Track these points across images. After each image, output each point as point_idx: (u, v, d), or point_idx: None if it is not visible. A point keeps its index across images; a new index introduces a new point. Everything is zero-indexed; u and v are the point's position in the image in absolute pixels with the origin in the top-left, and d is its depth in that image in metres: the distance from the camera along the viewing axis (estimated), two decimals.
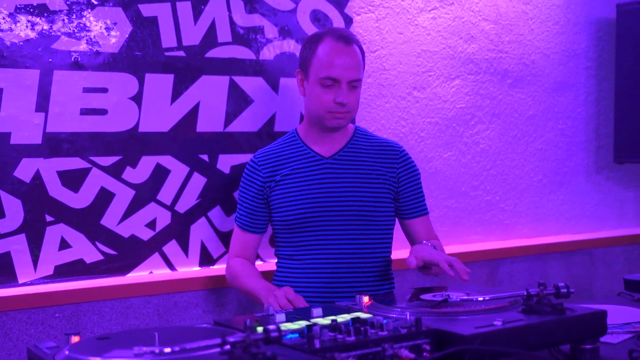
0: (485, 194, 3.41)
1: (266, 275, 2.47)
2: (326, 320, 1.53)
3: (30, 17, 2.41)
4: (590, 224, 3.73)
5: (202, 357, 1.24)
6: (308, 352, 1.32)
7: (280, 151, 2.43)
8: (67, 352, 1.35)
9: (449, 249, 3.24)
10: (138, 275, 2.59)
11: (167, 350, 1.23)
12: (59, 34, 2.45)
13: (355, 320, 1.47)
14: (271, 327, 1.27)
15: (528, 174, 3.54)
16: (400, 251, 2.55)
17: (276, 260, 2.49)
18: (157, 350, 1.23)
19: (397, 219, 2.49)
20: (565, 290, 1.61)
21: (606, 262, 3.63)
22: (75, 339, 1.47)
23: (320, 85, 2.29)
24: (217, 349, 1.23)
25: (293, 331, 1.44)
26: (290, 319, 1.59)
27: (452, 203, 3.32)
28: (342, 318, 1.54)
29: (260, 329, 1.28)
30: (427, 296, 1.75)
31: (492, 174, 3.43)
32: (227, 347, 1.23)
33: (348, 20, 2.98)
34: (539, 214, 3.58)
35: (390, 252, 2.46)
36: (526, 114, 3.52)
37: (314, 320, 1.55)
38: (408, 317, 1.50)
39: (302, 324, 1.51)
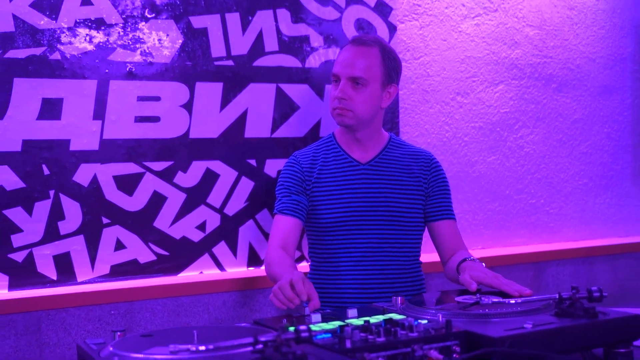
0: (529, 197, 3.36)
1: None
2: (359, 321, 1.53)
3: (88, 30, 2.47)
4: (637, 227, 3.64)
5: (235, 356, 1.26)
6: (338, 352, 1.33)
7: (319, 153, 2.44)
8: (111, 349, 1.38)
9: (495, 251, 3.21)
10: (189, 275, 2.63)
11: (202, 348, 1.25)
12: (115, 45, 2.51)
13: (387, 321, 1.47)
14: (302, 327, 1.27)
15: (573, 177, 3.47)
16: (430, 254, 2.55)
17: (309, 263, 2.49)
18: (193, 348, 1.25)
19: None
20: (598, 294, 1.58)
21: None
22: (120, 335, 1.51)
23: (332, 84, 2.37)
24: (250, 348, 1.25)
25: (326, 331, 1.45)
26: (325, 319, 1.60)
27: (496, 206, 3.28)
28: (375, 319, 1.54)
29: (292, 329, 1.29)
30: (460, 298, 1.73)
31: (536, 177, 3.37)
32: (259, 346, 1.25)
33: (392, 28, 2.97)
34: (585, 217, 3.51)
35: (419, 254, 2.45)
36: (571, 118, 3.45)
37: (348, 321, 1.55)
38: (440, 319, 1.49)
39: (335, 324, 1.52)
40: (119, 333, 1.51)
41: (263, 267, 2.68)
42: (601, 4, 3.52)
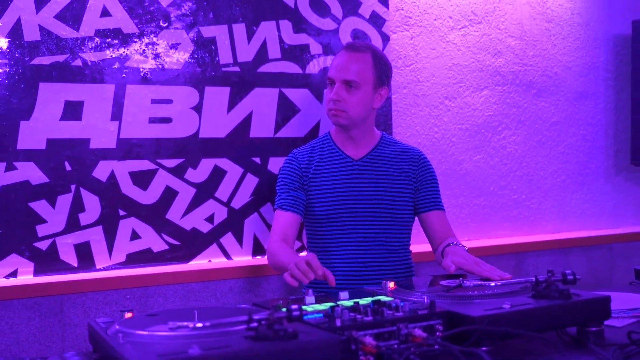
0: (512, 193, 3.30)
1: None
2: (349, 303, 1.48)
3: (107, 39, 2.43)
4: (610, 221, 3.57)
5: (231, 333, 1.21)
6: (328, 329, 1.28)
7: (315, 151, 2.40)
8: (117, 327, 1.33)
9: (480, 242, 3.15)
10: (198, 263, 2.58)
11: (199, 325, 1.20)
12: (131, 53, 2.46)
13: (375, 302, 1.42)
14: (294, 306, 1.23)
15: (552, 175, 3.41)
16: (421, 245, 2.50)
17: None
18: (191, 325, 1.20)
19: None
20: (572, 277, 1.53)
21: (625, 256, 3.47)
22: (128, 315, 1.46)
23: (327, 87, 2.33)
24: (244, 326, 1.20)
25: (318, 311, 1.40)
26: (319, 301, 1.55)
27: (481, 201, 3.22)
28: (364, 301, 1.49)
29: (284, 309, 1.24)
30: (445, 282, 1.68)
31: (518, 175, 3.31)
32: (254, 324, 1.20)
33: (385, 38, 2.92)
34: (562, 212, 3.45)
35: (409, 243, 2.41)
36: (549, 121, 3.40)
37: (339, 302, 1.50)
38: (425, 301, 1.44)
39: (327, 305, 1.47)
40: (127, 313, 1.46)
41: (266, 257, 2.64)
42: (576, 17, 3.46)
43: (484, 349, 1.31)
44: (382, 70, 2.32)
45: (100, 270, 2.45)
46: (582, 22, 3.47)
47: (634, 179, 3.64)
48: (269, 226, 2.68)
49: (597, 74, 3.53)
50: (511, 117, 3.28)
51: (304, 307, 1.44)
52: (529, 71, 3.33)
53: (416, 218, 2.41)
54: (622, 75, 3.58)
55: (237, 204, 2.64)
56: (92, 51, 2.41)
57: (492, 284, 1.56)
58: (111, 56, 2.44)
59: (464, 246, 2.06)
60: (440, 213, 2.38)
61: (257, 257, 2.68)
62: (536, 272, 3.22)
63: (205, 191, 2.59)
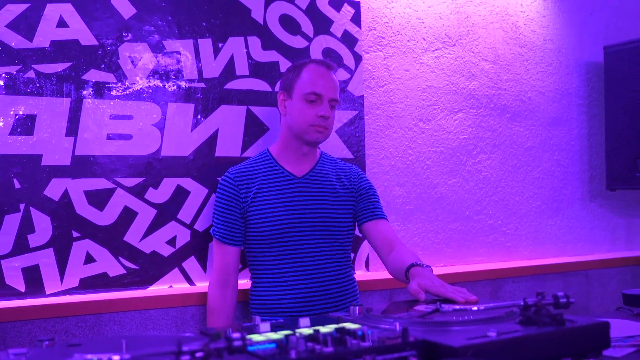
0: (487, 218, 3.04)
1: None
2: (309, 331, 1.19)
3: (63, 50, 2.16)
4: (586, 246, 3.32)
5: None
6: None
7: (254, 169, 2.17)
8: None
9: (455, 268, 2.88)
10: (158, 288, 2.27)
11: (116, 357, 0.90)
12: (89, 66, 2.19)
13: (339, 330, 1.13)
14: (235, 335, 0.94)
15: (527, 200, 3.16)
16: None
17: (250, 276, 2.21)
18: (104, 358, 0.91)
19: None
20: (565, 300, 1.26)
21: (601, 282, 3.21)
22: (47, 344, 1.16)
23: (304, 101, 2.11)
24: (172, 358, 0.90)
25: (270, 341, 1.10)
26: (275, 329, 1.25)
27: (457, 226, 2.95)
28: (327, 328, 1.20)
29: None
30: (420, 307, 1.39)
31: (494, 199, 3.06)
32: (185, 357, 0.91)
33: (358, 58, 2.68)
34: (538, 237, 3.18)
35: (350, 257, 2.27)
36: (524, 146, 3.16)
37: (297, 331, 1.21)
38: (397, 328, 1.15)
39: (283, 333, 1.17)
40: (46, 342, 1.16)
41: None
42: (548, 43, 3.25)
43: None
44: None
45: (49, 295, 2.13)
46: (554, 48, 3.26)
47: (608, 204, 3.40)
48: None
49: (571, 99, 3.31)
50: (486, 140, 3.04)
51: (251, 336, 1.15)
52: (503, 95, 3.10)
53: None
54: (595, 101, 3.37)
55: (201, 226, 2.34)
56: (46, 63, 2.14)
57: (474, 308, 1.28)
58: (67, 68, 2.16)
59: (428, 266, 1.79)
60: (383, 221, 2.21)
61: None
62: (513, 299, 2.94)
63: (166, 212, 2.29)
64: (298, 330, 1.21)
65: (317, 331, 1.12)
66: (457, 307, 1.31)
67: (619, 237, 3.42)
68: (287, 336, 1.08)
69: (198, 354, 0.91)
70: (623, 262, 3.28)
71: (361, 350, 1.04)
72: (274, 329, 1.25)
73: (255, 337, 1.14)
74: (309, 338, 1.08)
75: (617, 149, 3.14)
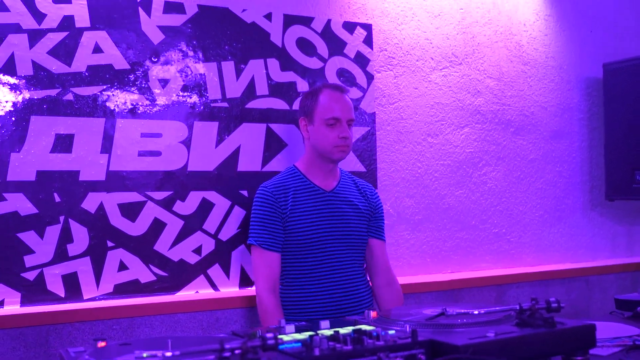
0: (492, 227, 3.17)
1: None
2: (329, 332, 1.33)
3: (98, 74, 2.32)
4: (587, 254, 3.44)
5: None
6: (305, 359, 1.13)
7: (287, 183, 2.32)
8: (86, 357, 1.18)
9: (462, 274, 3.01)
10: (185, 294, 2.43)
11: (168, 354, 1.05)
12: (122, 88, 2.35)
13: (356, 331, 1.27)
14: (268, 334, 1.08)
15: (531, 209, 3.29)
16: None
17: (282, 280, 2.35)
18: (159, 354, 1.05)
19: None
20: (556, 304, 1.39)
21: (602, 288, 3.33)
22: (101, 344, 1.31)
23: (325, 126, 2.29)
24: (215, 354, 1.05)
25: (296, 340, 1.25)
26: (299, 330, 1.40)
27: (463, 235, 3.08)
28: (345, 330, 1.35)
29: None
30: (428, 311, 1.53)
31: (498, 209, 3.19)
32: (226, 353, 1.05)
33: (370, 77, 2.82)
34: (541, 245, 3.31)
35: (364, 263, 2.45)
36: (527, 158, 3.29)
37: (319, 332, 1.35)
38: (407, 329, 1.30)
39: (307, 334, 1.32)
40: (100, 342, 1.31)
41: (253, 288, 2.49)
42: (550, 60, 3.38)
43: None
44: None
45: (87, 300, 2.29)
46: (556, 65, 3.39)
47: (608, 213, 3.52)
48: None
49: (572, 114, 3.44)
50: (491, 153, 3.18)
51: (281, 336, 1.29)
52: (507, 110, 3.23)
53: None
54: (595, 115, 3.49)
55: (224, 236, 2.50)
56: (83, 86, 2.30)
57: (476, 312, 1.42)
58: (102, 91, 2.33)
59: None
60: (382, 243, 2.45)
61: (245, 288, 2.53)
62: (516, 304, 3.07)
63: (193, 223, 2.45)
64: (320, 332, 1.36)
65: (337, 332, 1.26)
66: (461, 310, 1.45)
67: (618, 245, 3.54)
68: (311, 336, 1.23)
69: (237, 351, 1.05)
70: (622, 268, 3.40)
71: (376, 349, 1.18)
72: (299, 330, 1.40)
73: (284, 338, 1.29)
74: (330, 338, 1.23)
75: (615, 161, 3.26)
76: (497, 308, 1.43)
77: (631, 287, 3.39)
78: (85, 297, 2.29)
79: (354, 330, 1.28)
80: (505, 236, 3.20)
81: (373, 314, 1.54)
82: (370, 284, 2.43)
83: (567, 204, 3.40)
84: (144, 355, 1.04)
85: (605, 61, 3.37)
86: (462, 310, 1.43)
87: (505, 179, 3.21)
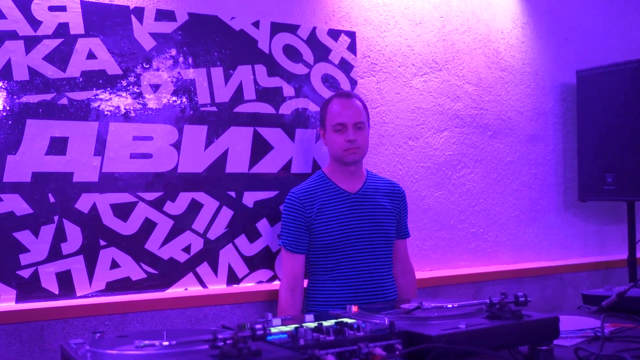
0: (470, 226, 3.28)
1: None
2: (314, 324, 1.42)
3: (92, 79, 2.39)
4: (561, 252, 3.56)
5: (196, 352, 1.15)
6: (291, 348, 1.22)
7: (314, 188, 2.45)
8: (87, 347, 1.26)
9: (441, 272, 3.11)
10: (175, 291, 2.50)
11: (165, 343, 1.14)
12: (115, 92, 2.43)
13: (338, 323, 1.37)
14: (257, 326, 1.17)
15: (507, 210, 3.40)
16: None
17: (309, 276, 2.49)
18: (157, 344, 1.14)
19: None
20: (524, 299, 1.49)
21: (575, 285, 3.45)
22: (100, 336, 1.39)
23: (334, 132, 2.42)
24: (209, 344, 1.14)
25: (283, 332, 1.34)
26: (285, 323, 1.49)
27: (442, 234, 3.19)
28: (328, 322, 1.44)
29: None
30: (405, 305, 1.63)
31: (476, 210, 3.30)
32: (219, 343, 1.14)
33: (353, 82, 2.92)
34: (517, 244, 3.43)
35: (392, 257, 2.54)
36: (504, 161, 3.40)
37: (304, 324, 1.44)
38: (386, 322, 1.39)
39: (292, 326, 1.41)
40: (98, 334, 1.39)
41: (240, 285, 2.59)
42: (527, 67, 3.50)
43: None
44: (367, 112, 2.50)
45: (80, 297, 2.36)
46: (532, 71, 3.51)
47: (581, 214, 3.64)
48: (243, 256, 2.62)
49: (547, 118, 3.56)
50: (469, 156, 3.28)
51: (269, 328, 1.38)
52: (485, 115, 3.34)
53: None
54: (569, 120, 3.62)
55: (212, 235, 2.58)
56: (77, 91, 2.37)
57: (450, 305, 1.52)
58: (95, 95, 2.40)
59: None
60: (405, 241, 2.61)
61: (232, 285, 2.61)
62: None
63: (182, 223, 2.53)
64: (305, 324, 1.45)
65: (320, 324, 1.35)
66: (436, 304, 1.54)
67: (590, 243, 3.66)
68: (296, 328, 1.32)
69: (229, 341, 1.14)
70: (594, 266, 3.52)
71: (357, 339, 1.28)
72: (285, 323, 1.48)
73: (272, 330, 1.38)
74: (314, 330, 1.32)
75: (588, 163, 3.39)
76: (470, 302, 1.53)
77: (602, 283, 3.52)
78: (78, 294, 2.36)
79: (336, 323, 1.37)
80: (482, 235, 3.31)
81: (355, 308, 1.63)
82: None
83: (541, 205, 3.52)
84: (143, 344, 1.12)
85: (578, 68, 3.49)
86: (437, 304, 1.52)
87: (482, 180, 3.32)
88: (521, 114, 3.46)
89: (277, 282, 2.67)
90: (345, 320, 1.46)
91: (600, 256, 3.67)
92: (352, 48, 2.93)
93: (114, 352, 1.18)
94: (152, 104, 2.49)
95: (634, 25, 3.89)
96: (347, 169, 2.45)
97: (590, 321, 1.83)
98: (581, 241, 3.63)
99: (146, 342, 1.12)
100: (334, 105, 2.45)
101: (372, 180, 2.52)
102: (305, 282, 2.50)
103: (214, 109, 2.59)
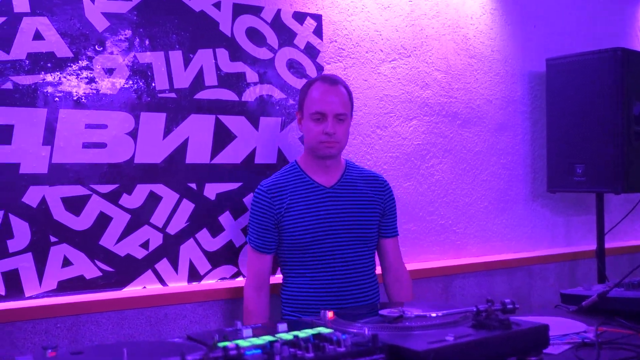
0: (439, 218, 3.22)
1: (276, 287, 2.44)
2: (289, 336, 1.32)
3: (39, 62, 2.21)
4: (529, 244, 3.54)
5: None
6: None
7: (285, 181, 2.29)
8: None
9: (410, 266, 3.03)
10: (133, 289, 2.36)
11: None
12: (65, 77, 2.25)
13: (316, 336, 1.26)
14: (230, 345, 1.06)
15: (476, 201, 3.35)
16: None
17: (282, 277, 2.36)
18: None
19: None
20: (512, 306, 1.42)
21: (542, 277, 3.44)
22: (51, 354, 1.25)
23: (311, 120, 2.25)
24: None
25: (256, 347, 1.23)
26: (256, 334, 1.38)
27: (411, 226, 3.12)
28: (304, 333, 1.33)
29: (223, 344, 1.07)
30: (385, 312, 1.54)
31: (445, 201, 3.24)
32: None
33: (319, 69, 2.80)
34: (485, 236, 3.38)
35: (375, 264, 2.39)
36: (473, 150, 3.34)
37: (277, 336, 1.34)
38: (366, 333, 1.29)
39: (265, 339, 1.30)
40: (49, 350, 1.25)
41: (202, 282, 2.47)
42: (496, 54, 3.44)
43: None
44: (352, 101, 2.33)
45: (29, 298, 2.20)
46: (500, 58, 3.45)
47: (549, 205, 3.62)
48: (204, 252, 2.49)
49: (515, 107, 3.51)
50: (438, 146, 3.21)
51: (240, 342, 1.27)
52: (454, 103, 3.27)
53: None
54: (537, 109, 3.58)
55: (172, 229, 2.44)
56: (23, 74, 2.19)
57: (433, 314, 1.43)
58: (43, 80, 2.22)
59: None
60: (395, 239, 2.44)
61: (193, 283, 2.48)
62: (463, 293, 3.14)
63: (140, 217, 2.38)
64: (278, 335, 1.34)
65: (296, 337, 1.25)
66: (418, 312, 1.46)
67: (557, 235, 3.65)
68: (270, 342, 1.21)
69: None
70: (561, 257, 3.51)
71: (338, 355, 1.18)
72: (256, 333, 1.37)
73: (241, 343, 1.26)
74: (290, 344, 1.21)
75: (557, 154, 3.36)
76: (454, 310, 1.44)
77: (569, 274, 3.52)
78: (27, 295, 2.20)
79: (313, 336, 1.27)
80: (451, 227, 3.25)
81: (330, 314, 1.53)
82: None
83: (510, 196, 3.48)
84: None
85: (548, 56, 3.44)
86: (420, 313, 1.44)
87: (451, 171, 3.26)
88: (490, 102, 3.41)
89: (241, 279, 2.55)
90: (322, 331, 1.36)
91: (567, 247, 3.66)
92: (318, 32, 2.81)
93: None
94: (105, 90, 2.32)
95: (604, 14, 3.87)
96: (322, 161, 2.29)
97: (573, 324, 1.78)
98: (549, 232, 3.62)
99: None
100: (316, 89, 2.25)
101: (351, 173, 2.36)
102: (281, 279, 2.38)
103: (172, 95, 2.45)
